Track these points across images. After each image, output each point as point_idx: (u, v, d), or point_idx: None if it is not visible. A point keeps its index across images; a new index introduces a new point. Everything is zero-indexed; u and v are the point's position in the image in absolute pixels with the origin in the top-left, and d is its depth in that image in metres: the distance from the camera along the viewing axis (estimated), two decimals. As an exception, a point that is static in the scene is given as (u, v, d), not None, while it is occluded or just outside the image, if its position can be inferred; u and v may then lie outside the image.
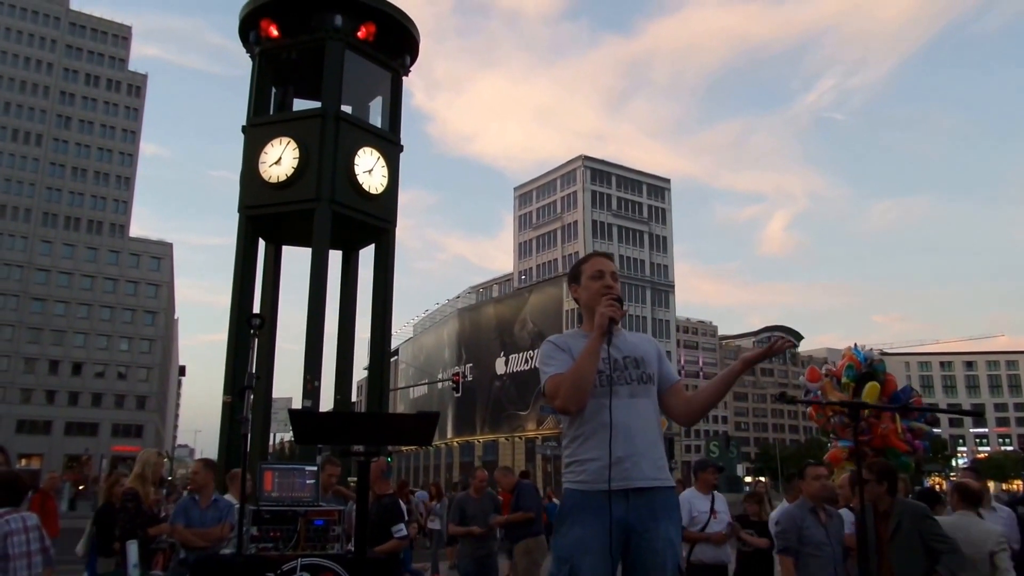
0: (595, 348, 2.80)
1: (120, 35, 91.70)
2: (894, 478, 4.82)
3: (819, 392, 13.44)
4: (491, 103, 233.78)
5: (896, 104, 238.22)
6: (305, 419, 3.24)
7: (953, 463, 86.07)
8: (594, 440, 2.83)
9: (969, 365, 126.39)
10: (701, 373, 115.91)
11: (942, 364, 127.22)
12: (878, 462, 5.05)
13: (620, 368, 2.91)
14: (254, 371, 4.19)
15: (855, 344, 13.56)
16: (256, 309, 11.16)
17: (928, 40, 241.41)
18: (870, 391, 12.48)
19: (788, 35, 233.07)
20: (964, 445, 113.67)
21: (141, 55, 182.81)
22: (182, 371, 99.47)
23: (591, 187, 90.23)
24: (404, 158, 11.72)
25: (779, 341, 2.93)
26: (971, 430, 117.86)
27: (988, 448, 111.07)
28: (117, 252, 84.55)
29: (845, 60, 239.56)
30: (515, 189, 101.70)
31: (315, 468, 4.89)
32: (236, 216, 10.98)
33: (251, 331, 4.26)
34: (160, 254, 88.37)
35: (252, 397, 4.21)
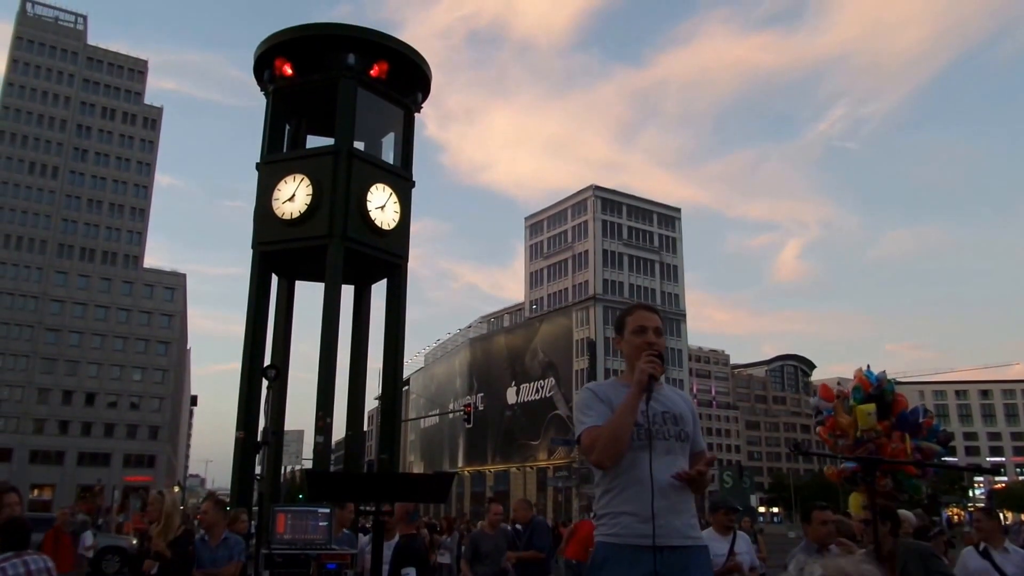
0: (633, 405, 2.81)
1: (136, 69, 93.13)
2: (896, 518, 4.81)
3: (832, 411, 13.20)
4: (503, 133, 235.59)
5: (908, 132, 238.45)
6: (321, 480, 3.27)
7: (970, 493, 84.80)
8: (628, 494, 2.83)
9: (985, 394, 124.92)
10: (714, 402, 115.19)
11: (957, 393, 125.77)
12: (879, 503, 5.02)
13: (659, 423, 2.91)
14: (268, 421, 4.22)
15: (867, 365, 13.24)
16: (269, 343, 11.23)
17: (941, 68, 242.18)
18: (861, 414, 12.07)
19: (799, 65, 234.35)
20: (981, 476, 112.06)
21: (157, 88, 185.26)
22: (194, 401, 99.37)
23: (602, 217, 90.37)
24: (416, 188, 11.84)
25: None
26: (987, 459, 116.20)
27: (1005, 478, 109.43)
28: (131, 283, 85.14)
29: (857, 89, 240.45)
30: (526, 219, 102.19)
31: (328, 510, 4.89)
32: (249, 246, 11.09)
33: (265, 381, 4.31)
34: (173, 285, 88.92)
35: (267, 450, 4.24)
